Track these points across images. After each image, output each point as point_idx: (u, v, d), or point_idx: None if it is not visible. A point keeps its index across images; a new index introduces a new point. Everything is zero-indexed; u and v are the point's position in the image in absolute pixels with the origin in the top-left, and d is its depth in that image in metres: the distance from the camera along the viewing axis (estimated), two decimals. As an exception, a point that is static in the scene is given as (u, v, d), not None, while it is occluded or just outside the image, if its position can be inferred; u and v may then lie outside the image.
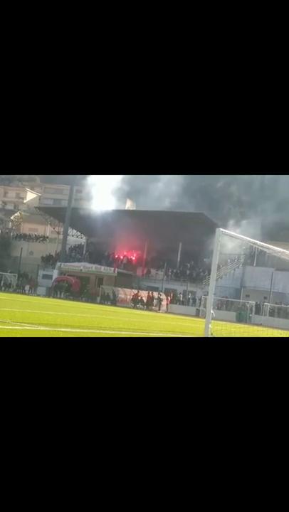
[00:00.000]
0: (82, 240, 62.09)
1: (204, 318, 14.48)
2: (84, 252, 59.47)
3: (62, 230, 56.54)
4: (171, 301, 47.05)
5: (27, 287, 46.86)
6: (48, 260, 57.14)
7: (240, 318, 40.70)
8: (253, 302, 44.20)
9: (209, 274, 17.98)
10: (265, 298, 45.82)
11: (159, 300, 45.38)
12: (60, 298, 42.65)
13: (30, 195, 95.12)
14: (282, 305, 44.37)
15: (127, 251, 55.41)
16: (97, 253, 57.71)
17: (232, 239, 17.12)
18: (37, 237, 65.33)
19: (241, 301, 46.64)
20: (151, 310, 42.59)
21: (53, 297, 42.67)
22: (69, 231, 56.79)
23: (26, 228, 75.79)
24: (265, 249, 16.75)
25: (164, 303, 45.73)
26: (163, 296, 46.30)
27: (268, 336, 15.76)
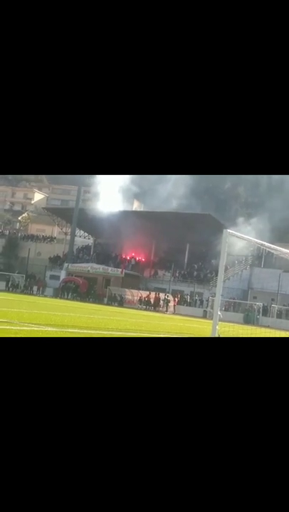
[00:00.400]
0: (90, 240, 62.16)
1: (211, 319, 14.44)
2: (91, 253, 59.54)
3: (69, 230, 56.65)
4: (179, 303, 46.98)
5: (35, 288, 46.97)
6: (56, 261, 57.25)
7: (248, 320, 40.57)
8: (260, 304, 44.05)
9: (216, 275, 17.95)
10: (272, 300, 45.64)
11: (166, 301, 45.34)
12: (67, 299, 42.70)
13: (37, 196, 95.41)
14: (290, 307, 44.22)
15: (134, 252, 55.41)
16: (104, 254, 57.77)
17: (240, 240, 17.07)
18: (44, 238, 65.46)
19: (249, 302, 46.49)
20: (158, 311, 42.57)
21: (60, 298, 42.73)
22: (76, 232, 56.89)
23: (34, 229, 75.99)
24: (272, 251, 16.69)
25: (171, 304, 45.68)
26: (170, 298, 46.25)
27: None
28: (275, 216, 56.98)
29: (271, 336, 17.30)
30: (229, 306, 44.51)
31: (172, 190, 63.76)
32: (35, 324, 10.87)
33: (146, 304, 44.42)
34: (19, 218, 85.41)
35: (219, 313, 12.11)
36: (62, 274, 50.40)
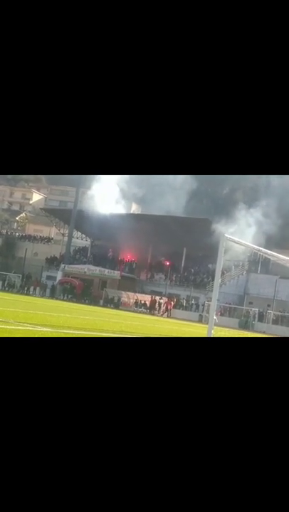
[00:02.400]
0: (87, 242, 62.13)
1: (207, 323, 14.45)
2: (88, 255, 59.51)
3: (67, 231, 56.62)
4: (174, 306, 47.00)
5: (32, 288, 46.95)
6: (52, 262, 57.18)
7: (243, 325, 40.59)
8: (256, 309, 44.08)
9: (213, 279, 17.96)
10: (268, 306, 45.70)
11: (160, 304, 45.42)
12: (62, 299, 42.63)
13: (36, 197, 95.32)
14: (286, 313, 44.24)
15: (131, 254, 55.38)
16: (101, 256, 57.72)
17: (237, 245, 17.10)
18: (42, 239, 65.40)
19: (244, 308, 46.53)
20: (153, 314, 42.58)
21: (57, 298, 42.67)
22: (74, 233, 56.85)
23: (31, 229, 75.93)
24: (269, 257, 16.71)
25: (165, 307, 45.72)
26: (164, 300, 46.29)
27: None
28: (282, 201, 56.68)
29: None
30: (225, 311, 44.53)
31: (171, 193, 63.56)
32: (30, 324, 10.86)
33: (141, 307, 44.44)
34: (17, 218, 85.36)
35: (215, 317, 12.11)
36: (59, 275, 50.35)
